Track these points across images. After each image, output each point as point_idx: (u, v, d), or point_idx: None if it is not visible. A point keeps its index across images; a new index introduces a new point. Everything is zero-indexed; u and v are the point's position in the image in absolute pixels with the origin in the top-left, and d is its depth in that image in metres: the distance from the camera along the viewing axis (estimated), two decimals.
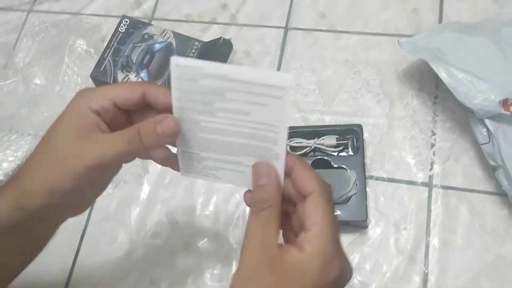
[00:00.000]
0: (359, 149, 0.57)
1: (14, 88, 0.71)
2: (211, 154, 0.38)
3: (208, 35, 0.71)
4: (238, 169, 0.38)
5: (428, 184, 0.57)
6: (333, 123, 0.62)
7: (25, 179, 0.37)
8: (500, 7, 0.65)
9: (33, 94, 0.70)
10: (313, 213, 0.34)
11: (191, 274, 0.57)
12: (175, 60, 0.35)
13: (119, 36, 0.68)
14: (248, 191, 0.38)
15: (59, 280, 0.59)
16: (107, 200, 0.63)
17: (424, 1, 0.68)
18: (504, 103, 0.52)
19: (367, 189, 0.57)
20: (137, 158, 0.41)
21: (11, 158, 0.67)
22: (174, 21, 0.73)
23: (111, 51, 0.67)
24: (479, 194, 0.56)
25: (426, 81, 0.63)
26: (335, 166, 0.57)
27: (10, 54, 0.74)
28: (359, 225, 0.56)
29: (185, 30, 0.71)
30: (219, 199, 0.61)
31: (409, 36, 0.63)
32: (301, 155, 0.59)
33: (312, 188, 0.34)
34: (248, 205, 0.37)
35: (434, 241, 0.55)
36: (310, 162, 0.57)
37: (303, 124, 0.63)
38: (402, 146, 0.60)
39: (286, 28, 0.70)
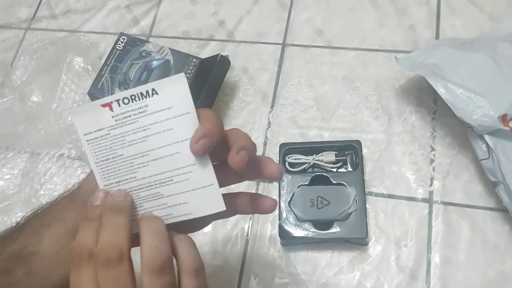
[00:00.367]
0: (358, 165, 0.57)
1: (11, 105, 0.71)
2: (145, 193, 0.36)
3: (206, 52, 0.71)
4: (173, 202, 0.36)
5: (429, 200, 0.57)
6: (331, 139, 0.62)
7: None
8: (496, 23, 0.66)
9: (30, 111, 0.70)
10: None
11: None
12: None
13: (117, 54, 0.68)
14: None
15: None
16: None
17: (421, 17, 0.68)
18: (503, 118, 0.51)
19: (367, 205, 0.56)
20: None
21: (7, 176, 0.67)
22: (171, 38, 0.74)
23: (109, 68, 0.67)
24: (480, 210, 0.56)
25: (424, 97, 0.63)
26: (334, 182, 0.56)
27: (7, 72, 0.74)
28: (359, 242, 0.55)
29: (183, 47, 0.72)
30: None
31: (406, 52, 0.64)
32: (299, 171, 0.58)
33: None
34: None
35: (436, 258, 0.54)
36: (309, 178, 0.57)
37: (301, 140, 0.62)
38: (402, 162, 0.59)
39: (284, 45, 0.70)
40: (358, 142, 0.58)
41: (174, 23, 0.75)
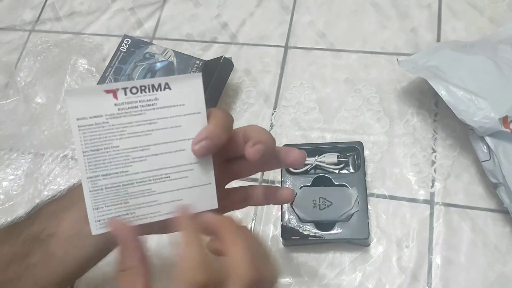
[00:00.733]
0: (360, 166, 0.57)
1: (15, 107, 0.71)
2: (135, 189, 0.35)
3: (209, 54, 0.72)
4: (165, 199, 0.36)
5: (430, 202, 0.57)
6: (333, 141, 0.62)
7: None
8: (497, 26, 0.66)
9: (34, 112, 0.70)
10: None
11: None
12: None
13: (121, 55, 0.68)
14: None
15: None
16: None
17: (422, 20, 0.69)
18: (504, 120, 0.52)
19: (369, 206, 0.56)
20: None
21: (11, 177, 0.67)
22: (175, 40, 0.74)
23: (113, 70, 0.67)
24: (481, 211, 0.56)
25: (425, 99, 0.63)
26: (336, 183, 0.57)
27: (12, 73, 0.74)
28: (361, 243, 0.55)
29: (186, 49, 0.72)
30: None
31: (408, 54, 0.64)
32: (302, 172, 0.59)
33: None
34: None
35: (437, 259, 0.54)
36: (311, 179, 0.57)
37: (303, 142, 0.63)
38: (403, 164, 0.60)
39: (286, 47, 0.71)
40: (360, 144, 0.58)
41: (178, 25, 0.76)
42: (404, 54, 0.66)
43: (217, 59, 0.66)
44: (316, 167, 0.59)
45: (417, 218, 0.57)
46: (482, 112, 0.52)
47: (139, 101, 0.33)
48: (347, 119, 0.64)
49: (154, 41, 0.74)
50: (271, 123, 0.65)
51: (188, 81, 0.34)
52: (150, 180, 0.35)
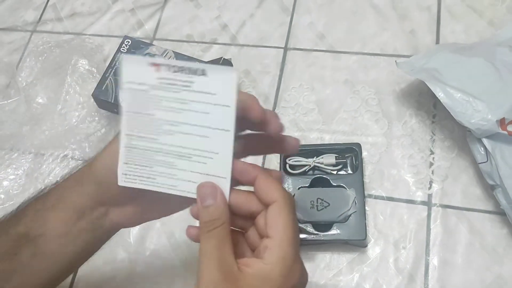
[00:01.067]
0: (358, 167, 0.57)
1: (17, 106, 0.72)
2: (160, 158, 0.37)
3: (209, 55, 0.72)
4: (183, 176, 0.37)
5: (427, 203, 0.57)
6: (332, 142, 0.63)
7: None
8: (496, 28, 0.66)
9: (35, 112, 0.71)
10: (275, 220, 0.34)
11: None
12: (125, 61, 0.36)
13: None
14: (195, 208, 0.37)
15: None
16: None
17: (422, 22, 0.69)
18: (501, 122, 0.52)
19: (366, 207, 0.57)
20: None
21: (12, 177, 0.68)
22: (175, 41, 0.75)
23: (113, 70, 0.68)
24: (478, 213, 0.56)
25: (424, 101, 0.63)
26: (334, 184, 0.57)
27: (13, 74, 0.75)
28: (358, 244, 0.56)
29: (186, 50, 0.73)
30: None
31: (406, 56, 0.64)
32: (300, 173, 0.59)
33: (275, 197, 0.34)
34: (194, 217, 0.37)
35: (434, 261, 0.54)
36: (309, 180, 0.57)
37: (302, 143, 0.63)
38: (401, 165, 0.60)
39: (286, 48, 0.71)
40: (358, 145, 0.59)
41: (178, 26, 0.76)
42: (403, 56, 0.67)
43: (217, 60, 0.67)
44: (314, 168, 0.59)
45: (414, 219, 0.57)
46: (480, 114, 0.52)
47: (177, 80, 0.35)
48: (346, 120, 0.64)
49: (155, 42, 0.75)
50: None
51: (223, 73, 0.34)
52: (175, 154, 0.37)
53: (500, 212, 0.55)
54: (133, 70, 0.36)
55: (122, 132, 0.37)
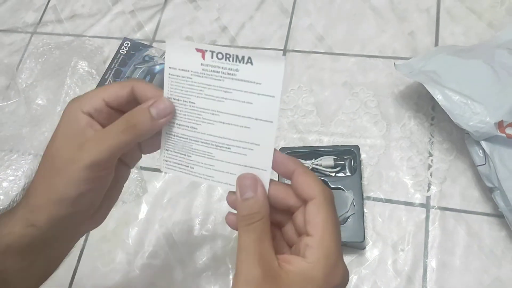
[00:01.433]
0: (356, 169, 0.57)
1: (16, 108, 0.72)
2: (199, 147, 0.37)
3: None
4: (221, 167, 0.37)
5: (426, 205, 0.57)
6: (330, 144, 0.63)
7: (33, 194, 0.36)
8: (496, 30, 0.66)
9: (35, 114, 0.71)
10: (315, 218, 0.33)
11: None
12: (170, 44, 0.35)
13: (120, 58, 0.69)
14: (230, 196, 0.36)
15: None
16: (105, 220, 0.63)
17: (421, 24, 0.69)
18: (500, 125, 0.52)
19: (365, 210, 0.57)
20: (134, 178, 0.41)
21: (11, 178, 0.68)
22: None
23: (112, 72, 0.68)
24: (477, 215, 0.56)
25: (423, 103, 0.63)
26: (333, 186, 0.57)
27: (13, 75, 0.75)
28: (356, 246, 0.56)
29: None
30: (217, 219, 0.61)
31: (405, 58, 0.65)
32: None
33: (314, 193, 0.33)
34: (230, 205, 0.36)
35: (432, 263, 0.54)
36: None
37: (301, 145, 0.63)
38: (399, 167, 0.60)
39: (285, 50, 0.71)
40: (357, 147, 0.59)
41: (178, 28, 0.76)
42: (402, 58, 0.67)
43: None
44: (313, 170, 0.59)
45: (412, 222, 0.57)
46: (478, 117, 0.52)
47: (222, 67, 0.34)
48: (344, 122, 0.64)
49: (154, 44, 0.75)
50: None
51: (270, 63, 0.33)
52: (213, 144, 0.36)
53: (498, 215, 0.55)
54: (177, 55, 0.35)
55: None
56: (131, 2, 0.80)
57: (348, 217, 0.55)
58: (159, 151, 0.39)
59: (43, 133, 0.69)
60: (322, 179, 0.58)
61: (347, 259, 0.56)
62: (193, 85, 0.35)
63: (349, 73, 0.68)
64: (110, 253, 0.61)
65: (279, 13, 0.74)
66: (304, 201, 0.34)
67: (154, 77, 0.67)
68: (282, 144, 0.64)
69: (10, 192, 0.67)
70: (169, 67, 0.36)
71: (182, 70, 0.35)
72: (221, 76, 0.34)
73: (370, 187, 0.59)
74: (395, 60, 0.63)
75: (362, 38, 0.70)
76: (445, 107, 0.54)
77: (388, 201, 0.58)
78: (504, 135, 0.52)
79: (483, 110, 0.52)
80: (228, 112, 0.35)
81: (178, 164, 0.38)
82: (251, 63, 0.33)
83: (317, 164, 0.59)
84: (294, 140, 0.64)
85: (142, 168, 0.65)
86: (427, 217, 0.57)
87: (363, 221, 0.54)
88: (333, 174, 0.59)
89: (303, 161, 0.59)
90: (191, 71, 0.35)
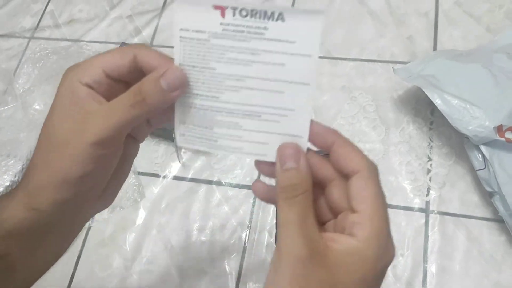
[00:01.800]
0: None
1: (13, 113, 0.72)
2: (222, 118, 0.33)
3: None
4: (250, 138, 0.33)
5: (425, 210, 0.57)
6: None
7: (32, 176, 0.33)
8: (494, 34, 0.66)
9: (32, 119, 0.70)
10: (363, 192, 0.30)
11: None
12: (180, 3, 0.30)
13: None
14: (262, 163, 0.33)
15: None
16: (103, 225, 0.62)
17: (419, 28, 0.69)
18: (499, 129, 0.52)
19: None
20: (132, 184, 0.40)
21: (8, 183, 0.67)
22: (172, 48, 0.74)
23: None
24: (476, 220, 0.56)
25: (421, 107, 0.63)
26: None
27: (10, 80, 0.75)
28: None
29: None
30: (215, 225, 0.61)
31: (404, 62, 0.64)
32: None
33: (359, 166, 0.30)
34: (263, 173, 0.33)
35: (432, 268, 0.54)
36: None
37: None
38: (399, 172, 0.60)
39: None
40: None
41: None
42: (400, 62, 0.67)
43: None
44: None
45: (412, 227, 0.56)
46: (477, 121, 0.52)
47: (247, 26, 0.30)
48: (343, 127, 0.64)
49: None
50: None
51: (306, 17, 0.29)
52: (239, 114, 0.32)
53: (498, 219, 0.55)
54: (190, 14, 0.30)
55: None
56: (129, 6, 0.80)
57: None
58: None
59: None
60: None
61: None
62: (212, 48, 0.31)
63: (347, 78, 0.67)
64: (107, 258, 0.61)
65: None
66: (345, 175, 0.31)
67: None
68: None
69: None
70: (180, 29, 0.31)
71: (198, 31, 0.30)
72: (246, 36, 0.30)
73: None
74: (393, 64, 0.63)
75: (361, 42, 0.70)
76: (444, 111, 0.54)
77: (387, 206, 0.58)
78: (503, 139, 0.52)
79: (482, 114, 0.52)
80: (256, 76, 0.31)
81: (198, 138, 0.33)
82: (283, 19, 0.29)
83: None
84: None
85: (139, 173, 0.65)
86: (426, 222, 0.56)
87: None
88: None
89: None
90: (209, 32, 0.30)
